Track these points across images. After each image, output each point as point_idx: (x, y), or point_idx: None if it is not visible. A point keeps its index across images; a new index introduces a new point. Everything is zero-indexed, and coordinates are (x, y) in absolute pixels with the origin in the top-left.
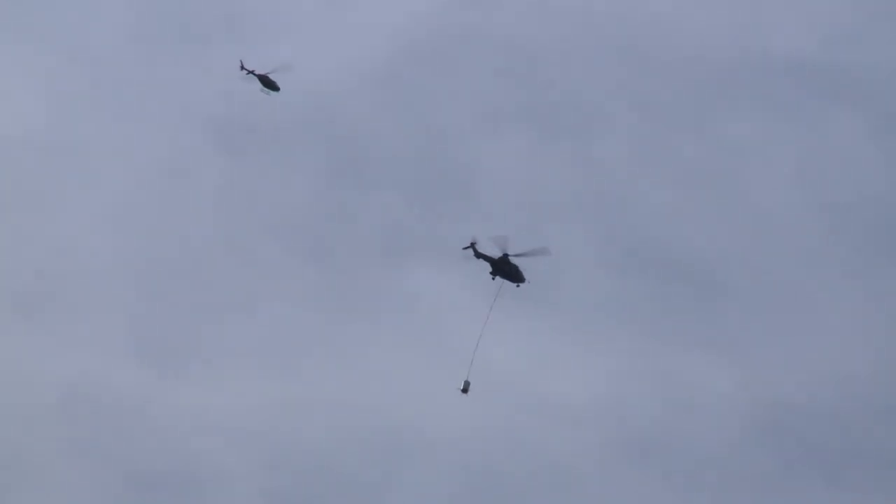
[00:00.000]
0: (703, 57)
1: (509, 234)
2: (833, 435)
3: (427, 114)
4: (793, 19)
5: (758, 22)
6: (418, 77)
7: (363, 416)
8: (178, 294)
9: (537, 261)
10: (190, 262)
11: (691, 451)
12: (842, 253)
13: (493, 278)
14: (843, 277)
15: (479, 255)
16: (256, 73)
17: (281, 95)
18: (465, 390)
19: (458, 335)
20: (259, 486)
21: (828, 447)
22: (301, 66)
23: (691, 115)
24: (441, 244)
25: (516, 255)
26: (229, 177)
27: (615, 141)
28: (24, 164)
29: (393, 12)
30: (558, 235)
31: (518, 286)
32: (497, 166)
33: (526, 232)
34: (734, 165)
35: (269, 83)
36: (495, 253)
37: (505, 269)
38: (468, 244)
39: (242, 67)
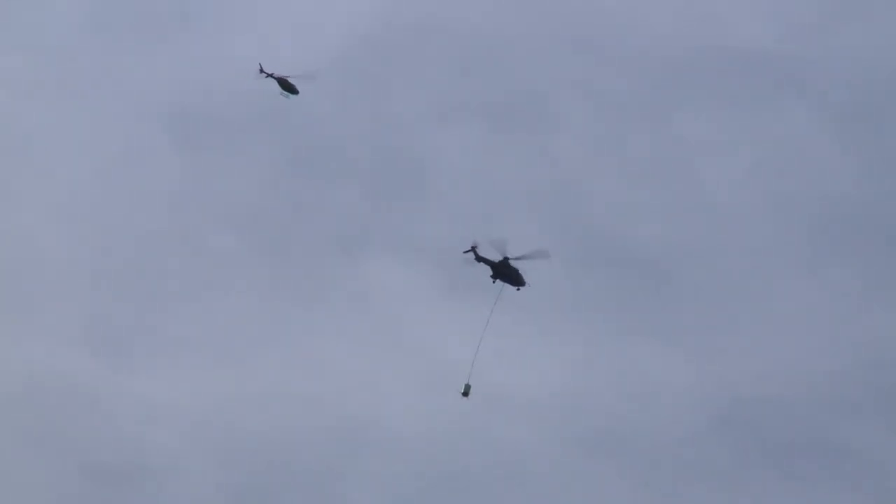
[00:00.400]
0: (659, 50)
1: (465, 228)
2: (788, 426)
3: (382, 106)
4: (749, 12)
5: (714, 15)
6: (373, 69)
7: (317, 407)
8: (131, 286)
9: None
10: (144, 254)
11: (649, 443)
12: (798, 246)
13: (494, 281)
14: (800, 270)
15: (479, 259)
16: (276, 75)
17: (236, 86)
18: (465, 394)
19: (413, 327)
20: (212, 477)
21: (783, 439)
22: (256, 58)
23: (647, 108)
24: (396, 236)
25: (516, 259)
26: (183, 168)
27: (571, 134)
28: None
29: (347, 4)
30: (514, 228)
31: (518, 289)
32: (452, 159)
33: (482, 225)
34: (690, 158)
35: (287, 86)
36: (496, 256)
37: (506, 272)
38: (469, 248)
39: (262, 70)
